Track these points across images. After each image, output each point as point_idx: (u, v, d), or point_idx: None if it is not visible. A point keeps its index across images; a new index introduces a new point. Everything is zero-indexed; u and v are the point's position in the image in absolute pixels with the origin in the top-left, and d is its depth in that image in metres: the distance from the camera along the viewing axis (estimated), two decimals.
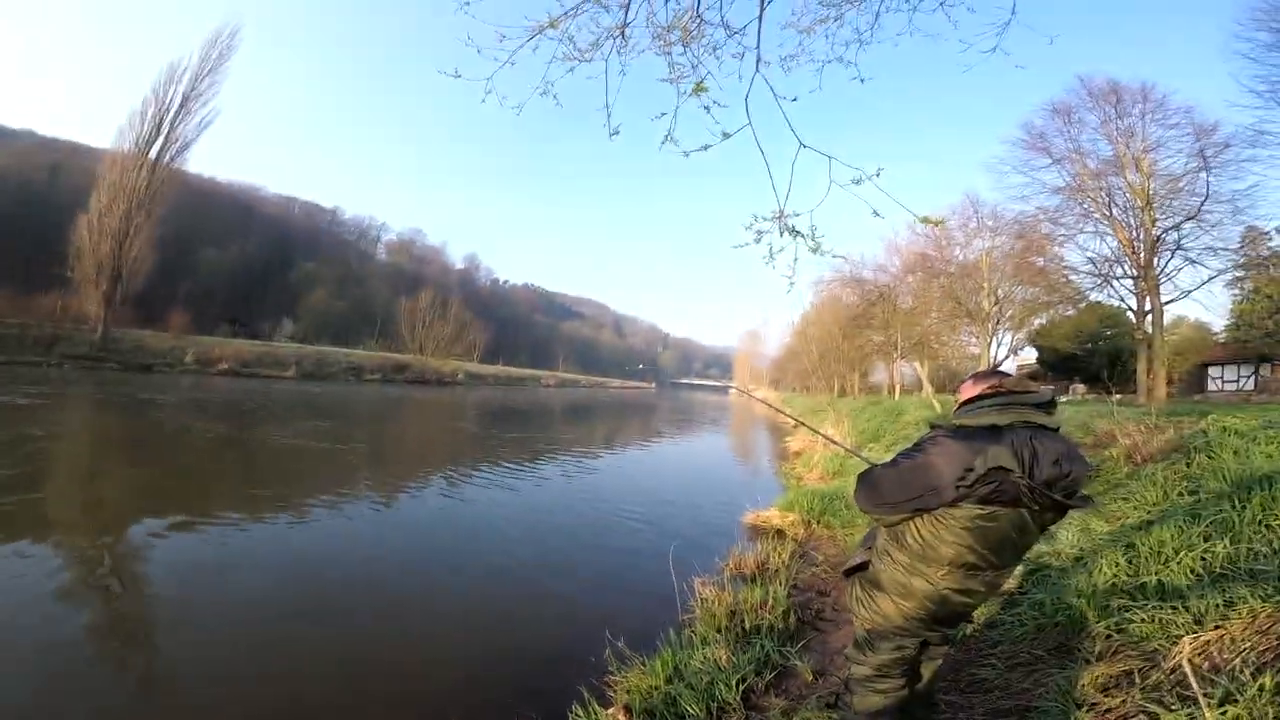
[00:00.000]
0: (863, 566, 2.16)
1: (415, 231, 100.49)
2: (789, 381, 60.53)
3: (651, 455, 12.44)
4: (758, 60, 3.02)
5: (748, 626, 4.12)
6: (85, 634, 4.21)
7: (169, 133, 34.18)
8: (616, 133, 3.18)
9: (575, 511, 8.83)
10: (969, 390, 2.01)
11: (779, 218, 3.17)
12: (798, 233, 3.17)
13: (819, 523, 7.04)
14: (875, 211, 2.96)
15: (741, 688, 3.24)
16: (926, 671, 2.31)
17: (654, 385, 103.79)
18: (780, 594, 4.53)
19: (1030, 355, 30.75)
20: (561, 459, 13.41)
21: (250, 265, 62.05)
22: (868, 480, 2.04)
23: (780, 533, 6.93)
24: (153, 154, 33.77)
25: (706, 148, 3.07)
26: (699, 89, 2.98)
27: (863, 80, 3.23)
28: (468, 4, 2.87)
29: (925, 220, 3.55)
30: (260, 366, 35.96)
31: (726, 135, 3.02)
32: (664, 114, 3.04)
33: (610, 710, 3.20)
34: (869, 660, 2.14)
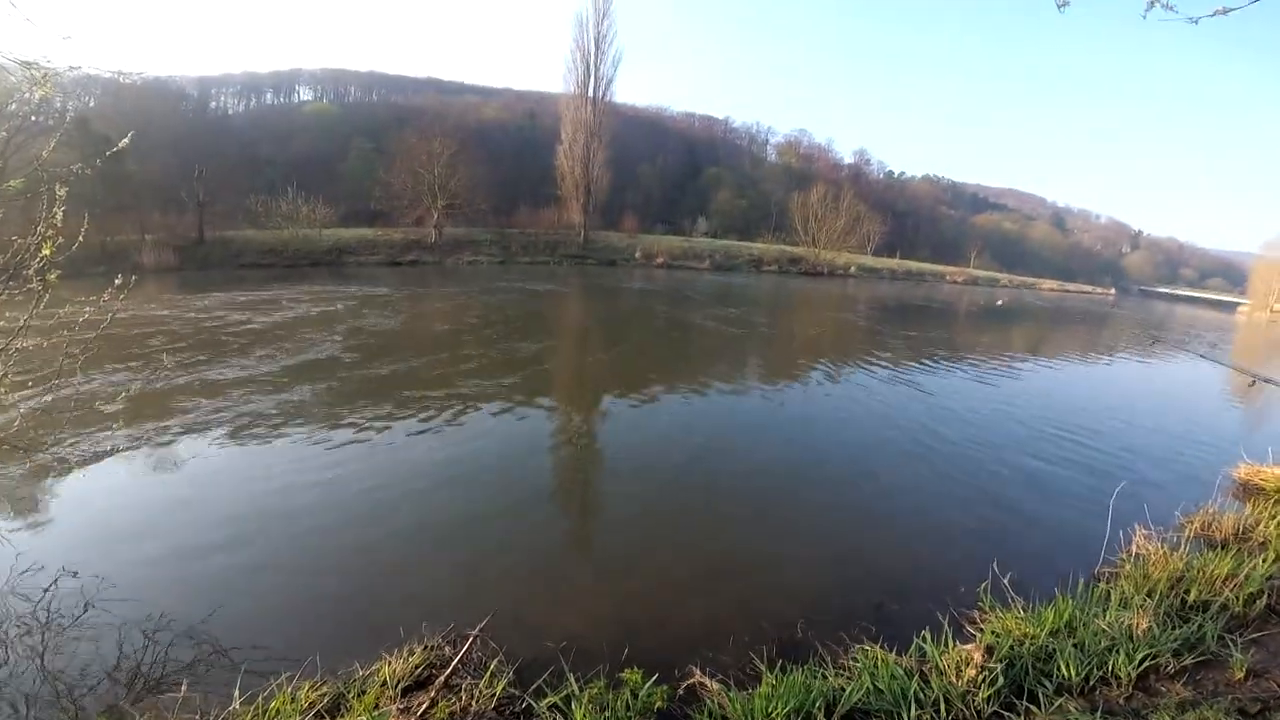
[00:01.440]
0: None
1: (800, 132, 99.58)
2: None
3: (1101, 375, 10.09)
4: None
5: (1191, 599, 3.43)
6: (553, 475, 5.75)
7: (595, 73, 41.48)
8: (1065, 3, 2.61)
9: (990, 420, 8.11)
10: None
11: None
12: None
13: None
14: None
15: (1145, 665, 2.78)
16: None
17: (1113, 292, 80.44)
18: (1259, 571, 3.63)
19: None
20: (971, 363, 12.16)
21: (669, 174, 72.52)
22: None
23: None
24: (589, 92, 41.69)
25: (1225, 11, 2.34)
26: None
27: None
28: None
29: None
30: (685, 259, 42.96)
31: None
32: None
33: (968, 647, 2.99)
34: None
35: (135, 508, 4.69)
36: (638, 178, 64.98)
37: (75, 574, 3.72)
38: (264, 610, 3.53)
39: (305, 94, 78.16)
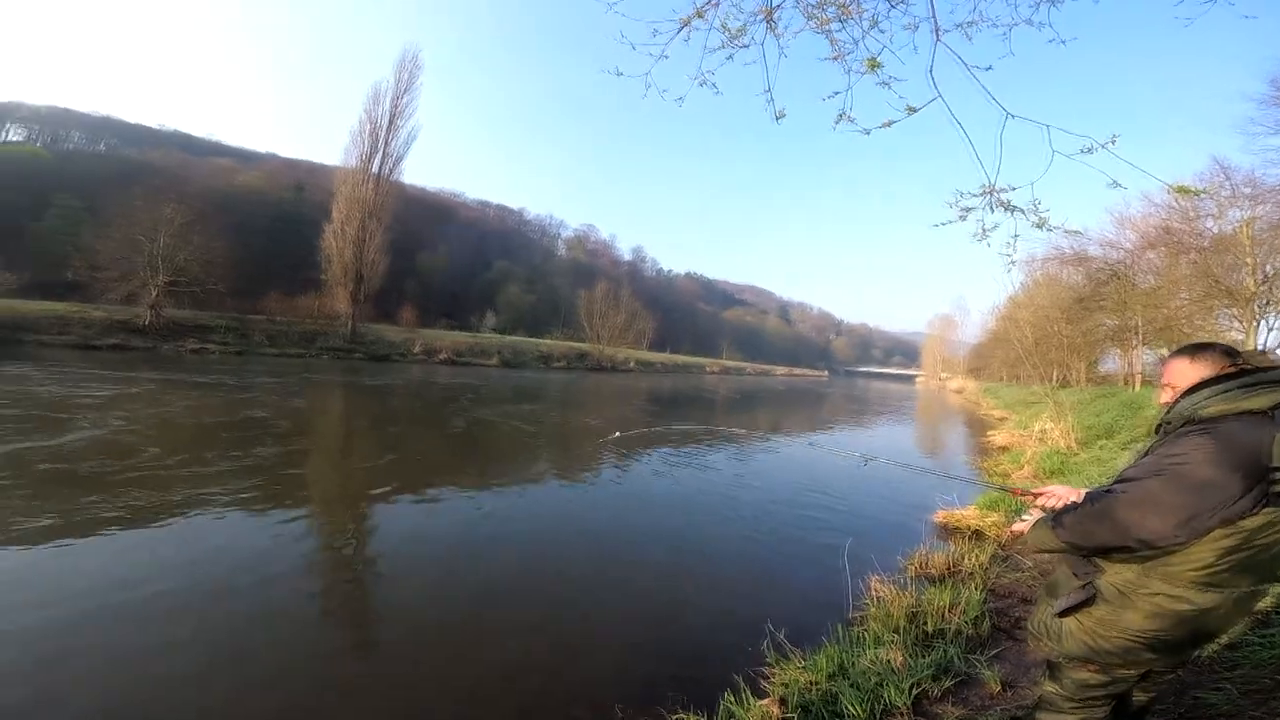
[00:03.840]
0: (1086, 603, 1.73)
1: (589, 227, 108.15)
2: (992, 370, 53.74)
3: (824, 446, 11.91)
4: (935, 29, 2.66)
5: (929, 630, 3.85)
6: (320, 591, 4.92)
7: (384, 148, 39.11)
8: (782, 115, 3.02)
9: (741, 499, 8.77)
10: (1192, 371, 1.68)
11: (989, 193, 2.86)
12: (1015, 208, 2.83)
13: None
14: (1116, 182, 2.52)
15: (914, 692, 3.06)
16: (1142, 696, 1.99)
17: (826, 373, 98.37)
18: (974, 598, 4.17)
19: None
20: (728, 446, 13.39)
21: (456, 264, 71.21)
22: (1114, 508, 1.58)
23: (979, 534, 6.40)
24: (374, 168, 38.94)
25: (890, 124, 2.79)
26: (873, 65, 2.71)
27: (1064, 42, 2.76)
28: (616, 2, 2.86)
29: (1182, 190, 2.92)
30: (471, 355, 41.13)
31: (913, 110, 2.71)
32: (836, 93, 2.82)
33: (764, 702, 3.17)
34: (1070, 679, 1.83)
35: None
36: (420, 266, 62.62)
37: None
38: None
39: (15, 133, 62.10)
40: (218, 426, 10.95)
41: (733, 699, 3.20)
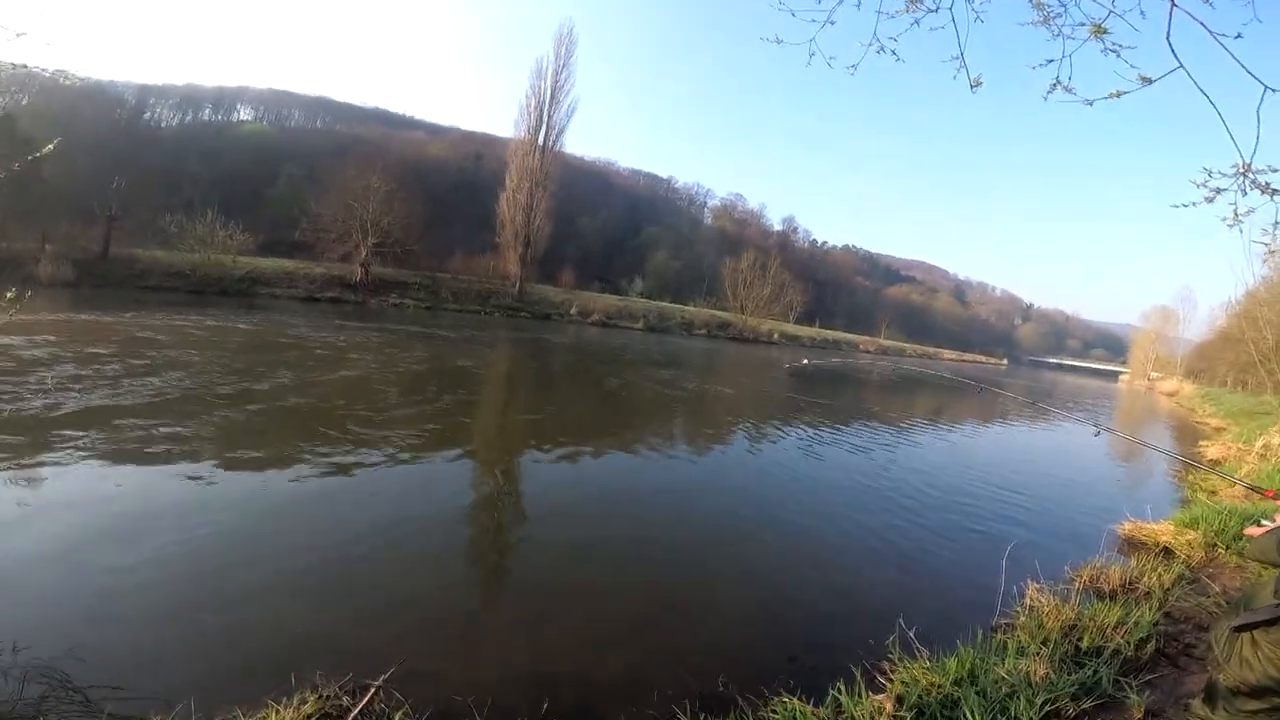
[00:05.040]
0: (1273, 622, 1.63)
1: (736, 196, 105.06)
2: (1216, 374, 44.79)
3: (996, 439, 10.99)
4: None
5: (1084, 646, 3.61)
6: (469, 527, 5.56)
7: (547, 121, 41.97)
8: (978, 84, 2.80)
9: (892, 485, 8.46)
10: None
11: (1244, 173, 2.57)
12: (1276, 191, 2.53)
13: (1229, 548, 5.69)
14: None
15: (1046, 709, 2.93)
16: None
17: (1005, 361, 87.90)
18: (1145, 619, 3.87)
19: None
20: (881, 428, 12.92)
21: (610, 230, 74.19)
22: None
23: (1168, 551, 5.82)
24: (539, 139, 41.96)
25: (1119, 94, 2.53)
26: (1098, 31, 2.43)
27: None
28: None
29: None
30: (619, 318, 43.42)
31: (1147, 81, 2.43)
32: (1050, 61, 2.57)
33: (878, 697, 3.07)
34: (1228, 705, 1.74)
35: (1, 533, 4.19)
36: (578, 231, 66.00)
37: None
38: (135, 648, 3.16)
39: (245, 114, 75.37)
40: (412, 375, 12.98)
41: (844, 689, 3.15)
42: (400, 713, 2.83)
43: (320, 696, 2.87)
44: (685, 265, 73.95)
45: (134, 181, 30.19)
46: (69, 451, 5.95)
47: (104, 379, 8.81)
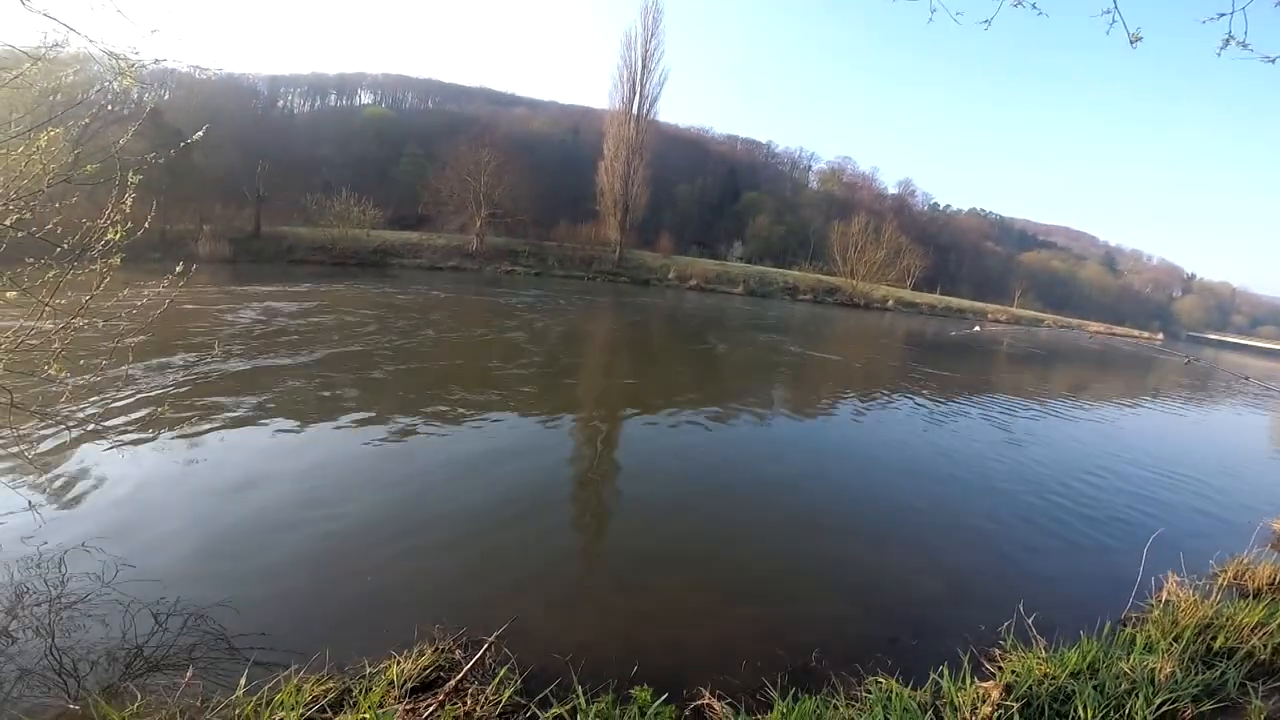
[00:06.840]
0: None
1: (845, 159, 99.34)
2: None
3: (1143, 422, 9.78)
4: None
5: (1216, 647, 3.37)
6: (576, 488, 5.74)
7: (640, 90, 41.93)
8: (1137, 39, 2.55)
9: (1025, 464, 7.87)
10: None
11: None
12: None
13: None
14: None
15: (1164, 709, 2.72)
16: None
17: (1161, 336, 77.34)
18: None
19: None
20: (1008, 405, 11.83)
21: (707, 195, 72.86)
22: None
23: None
24: (634, 109, 42.17)
25: None
26: None
27: None
28: None
29: None
30: (718, 283, 42.76)
31: None
32: (1222, 14, 2.36)
33: (985, 684, 2.95)
34: None
35: (163, 490, 4.75)
36: (675, 198, 65.47)
37: (93, 551, 3.75)
38: (276, 601, 3.51)
39: (365, 98, 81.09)
40: (532, 332, 13.49)
41: (948, 674, 3.01)
42: (506, 668, 2.98)
43: (437, 649, 3.08)
44: (788, 230, 71.18)
45: (275, 166, 33.35)
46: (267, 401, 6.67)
47: (354, 335, 10.49)
